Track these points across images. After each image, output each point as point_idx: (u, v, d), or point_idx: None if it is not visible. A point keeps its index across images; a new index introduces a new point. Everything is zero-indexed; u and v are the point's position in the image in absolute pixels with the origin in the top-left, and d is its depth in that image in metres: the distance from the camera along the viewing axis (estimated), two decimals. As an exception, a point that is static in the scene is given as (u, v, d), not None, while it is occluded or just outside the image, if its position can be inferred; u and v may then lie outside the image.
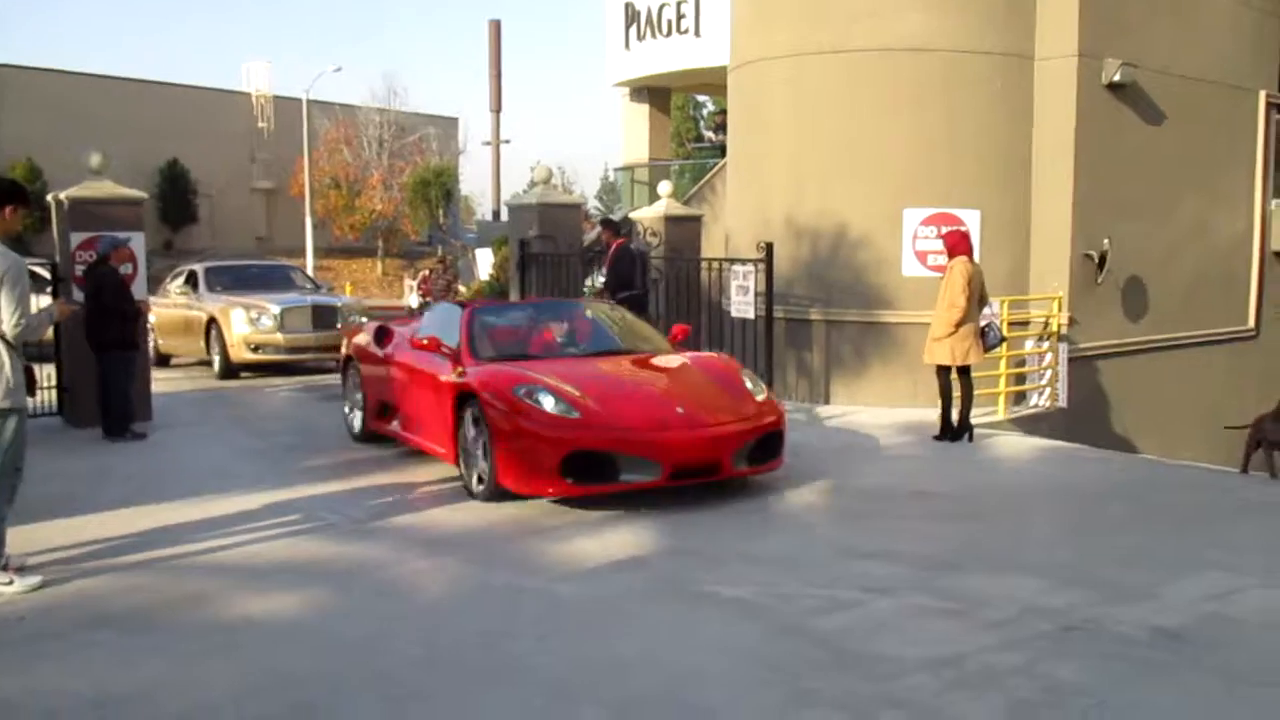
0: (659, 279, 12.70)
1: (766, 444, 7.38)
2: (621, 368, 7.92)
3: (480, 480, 7.14)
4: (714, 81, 22.63)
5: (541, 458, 6.74)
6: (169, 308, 14.76)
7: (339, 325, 13.43)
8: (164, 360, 14.72)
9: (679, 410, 7.08)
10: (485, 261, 23.52)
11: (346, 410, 9.55)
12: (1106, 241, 11.32)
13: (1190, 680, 4.36)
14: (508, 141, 34.50)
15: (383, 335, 8.86)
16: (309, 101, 38.31)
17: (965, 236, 9.36)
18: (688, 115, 47.16)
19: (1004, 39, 10.95)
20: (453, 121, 47.08)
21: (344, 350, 9.76)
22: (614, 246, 11.88)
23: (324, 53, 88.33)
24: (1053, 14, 11.01)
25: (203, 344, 13.82)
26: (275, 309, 13.40)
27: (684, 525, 6.65)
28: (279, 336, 13.38)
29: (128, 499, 7.23)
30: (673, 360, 8.15)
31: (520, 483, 6.85)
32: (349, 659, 4.54)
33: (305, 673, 4.40)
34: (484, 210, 44.13)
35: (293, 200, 40.44)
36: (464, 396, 7.29)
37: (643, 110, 24.78)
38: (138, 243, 10.09)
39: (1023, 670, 4.39)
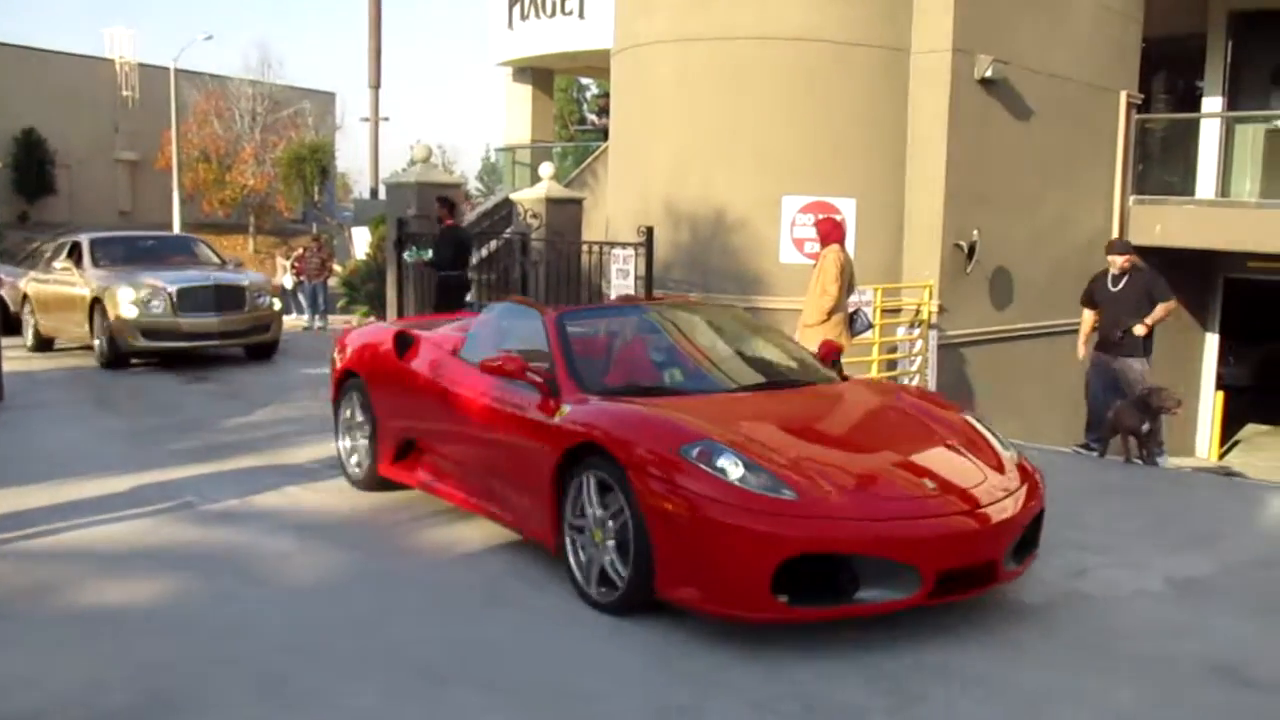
0: (539, 261, 12.65)
1: (1031, 529, 5.09)
2: (806, 409, 5.60)
3: (610, 582, 4.74)
4: (598, 64, 22.57)
5: (741, 563, 4.31)
6: (49, 284, 13.07)
7: (245, 308, 12.03)
8: (47, 344, 13.30)
9: (929, 485, 4.73)
10: (361, 240, 23.03)
11: (344, 446, 6.99)
12: (976, 232, 11.69)
13: (1042, 653, 4.53)
14: (386, 119, 33.82)
15: (406, 344, 6.55)
16: (177, 71, 37.01)
17: (838, 225, 9.49)
18: (571, 98, 47.03)
19: (883, 32, 11.20)
20: (330, 96, 46.11)
21: (339, 361, 7.17)
22: (445, 224, 11.86)
23: (194, 20, 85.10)
24: (929, 9, 11.30)
25: (86, 327, 12.02)
26: (170, 288, 11.53)
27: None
28: (177, 321, 11.52)
29: (-24, 483, 6.86)
30: (865, 396, 5.89)
31: (705, 598, 4.43)
32: (212, 647, 4.39)
33: (165, 662, 4.24)
34: (361, 188, 43.17)
35: (159, 173, 39.05)
36: (575, 451, 4.91)
37: (525, 91, 24.55)
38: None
39: (888, 648, 4.50)
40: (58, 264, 12.84)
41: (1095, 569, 5.64)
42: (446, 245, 11.66)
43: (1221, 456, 17.18)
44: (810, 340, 9.21)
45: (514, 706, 3.95)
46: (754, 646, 4.45)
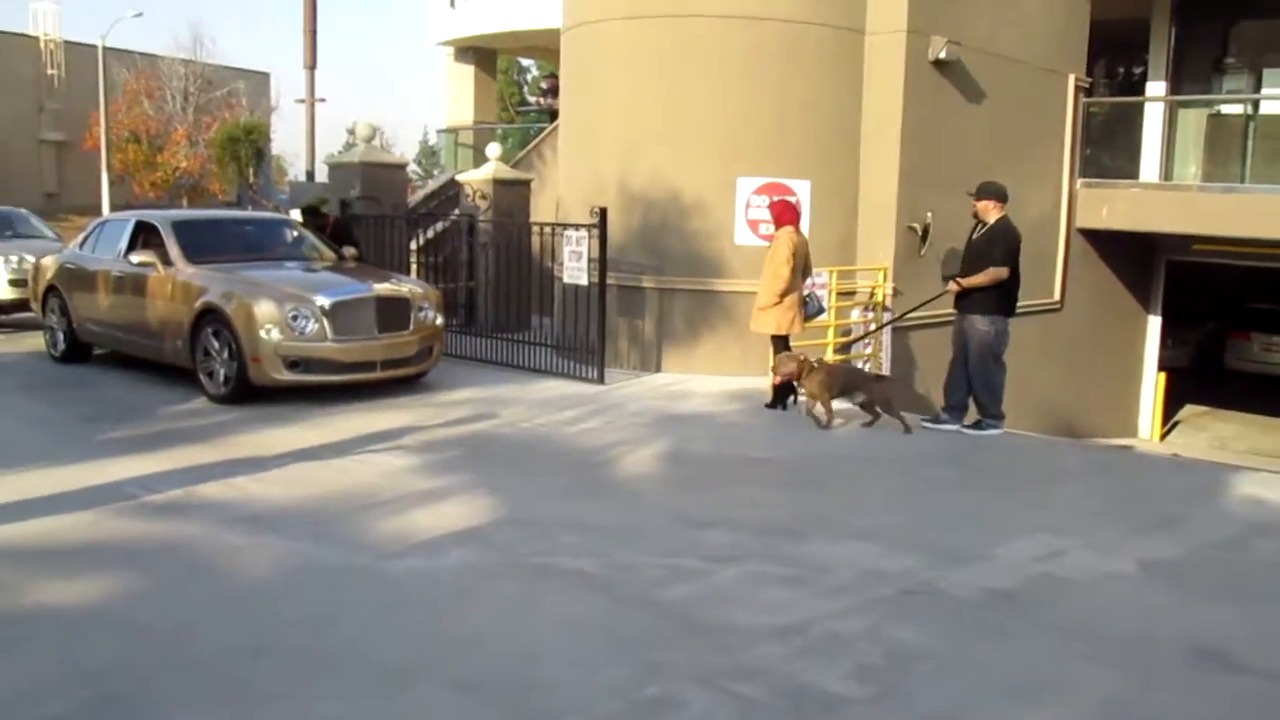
0: (487, 243, 12.39)
1: None
2: None
3: None
4: (541, 44, 22.29)
5: None
6: (109, 278, 10.31)
7: (411, 326, 9.41)
8: (83, 352, 10.95)
9: None
10: (301, 223, 22.51)
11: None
12: (930, 215, 11.63)
13: (1025, 639, 4.45)
14: (323, 100, 33.00)
15: None
16: (105, 49, 35.88)
17: (791, 206, 9.40)
18: (512, 79, 46.54)
19: (837, 12, 11.05)
20: (264, 77, 45.19)
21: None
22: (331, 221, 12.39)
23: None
24: (883, -11, 11.18)
25: (182, 345, 9.37)
26: (321, 300, 8.96)
27: (515, 495, 6.42)
28: (332, 345, 8.93)
29: (-103, 476, 6.48)
30: None
31: None
32: (159, 649, 4.14)
33: (109, 666, 3.97)
34: (297, 171, 42.33)
35: (87, 155, 37.90)
36: None
37: (468, 71, 24.18)
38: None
39: (867, 635, 4.39)
40: (135, 256, 9.75)
41: (1065, 551, 5.58)
42: (336, 235, 11.85)
43: (1163, 437, 17.43)
44: (764, 323, 9.13)
45: (482, 704, 3.76)
46: (725, 635, 4.31)
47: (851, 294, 11.35)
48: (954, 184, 12.16)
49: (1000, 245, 8.30)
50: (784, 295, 8.96)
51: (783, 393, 9.21)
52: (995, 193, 8.47)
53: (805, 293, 9.29)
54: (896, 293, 11.55)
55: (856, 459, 7.82)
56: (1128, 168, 15.79)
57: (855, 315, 11.35)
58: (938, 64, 11.59)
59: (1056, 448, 9.42)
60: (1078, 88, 14.37)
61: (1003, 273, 8.26)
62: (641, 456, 7.50)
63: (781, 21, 10.85)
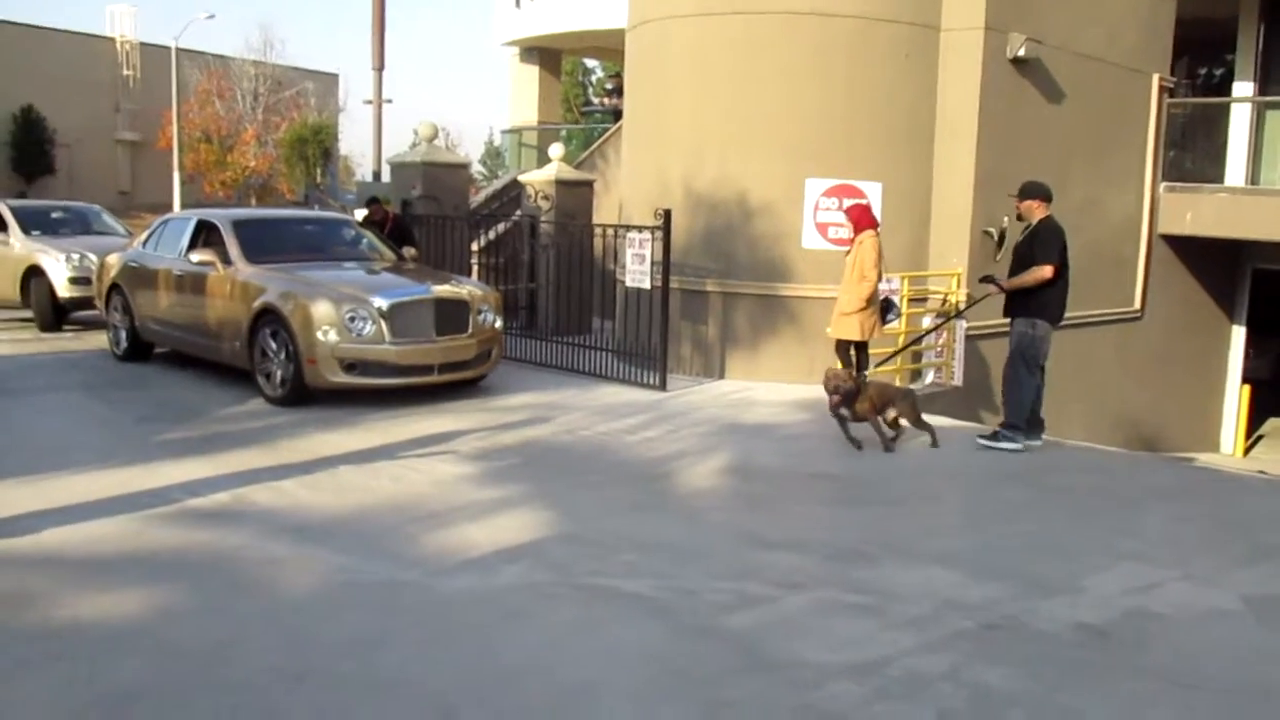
0: (549, 245, 12.17)
1: None
2: None
3: None
4: (606, 44, 22.09)
5: None
6: (170, 276, 10.23)
7: (469, 329, 9.23)
8: (144, 351, 10.84)
9: None
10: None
11: None
12: (1006, 219, 11.17)
13: (1123, 683, 4.08)
14: (390, 101, 33.23)
15: None
16: (178, 50, 36.45)
17: (870, 211, 9.13)
18: (576, 80, 46.46)
19: (911, 8, 10.66)
20: (333, 78, 45.63)
21: None
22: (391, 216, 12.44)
23: None
24: (960, -17, 10.76)
25: (241, 345, 9.26)
26: (379, 301, 8.78)
27: (572, 508, 6.16)
28: (389, 348, 8.75)
29: (-51, 476, 6.40)
30: None
31: None
32: (195, 670, 3.93)
33: (142, 687, 3.78)
34: (364, 171, 42.66)
35: (160, 154, 38.56)
36: None
37: (532, 72, 24.08)
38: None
39: (950, 676, 4.05)
40: (195, 255, 9.66)
41: (1161, 584, 5.18)
42: (395, 234, 11.83)
43: (1246, 452, 16.71)
44: (846, 328, 8.83)
45: (534, 745, 3.50)
46: (795, 671, 4.00)
47: (924, 300, 10.95)
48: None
49: (1043, 244, 7.77)
50: (869, 300, 8.73)
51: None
52: (1039, 192, 7.93)
53: (883, 298, 9.00)
54: (971, 301, 11.11)
55: (931, 476, 7.45)
56: (1212, 171, 15.16)
57: (927, 322, 10.94)
58: (1016, 62, 11.16)
59: (1140, 465, 8.94)
60: (1162, 88, 13.80)
61: (1045, 272, 7.70)
62: (704, 469, 7.20)
63: (852, 18, 10.49)
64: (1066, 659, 4.27)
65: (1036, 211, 7.90)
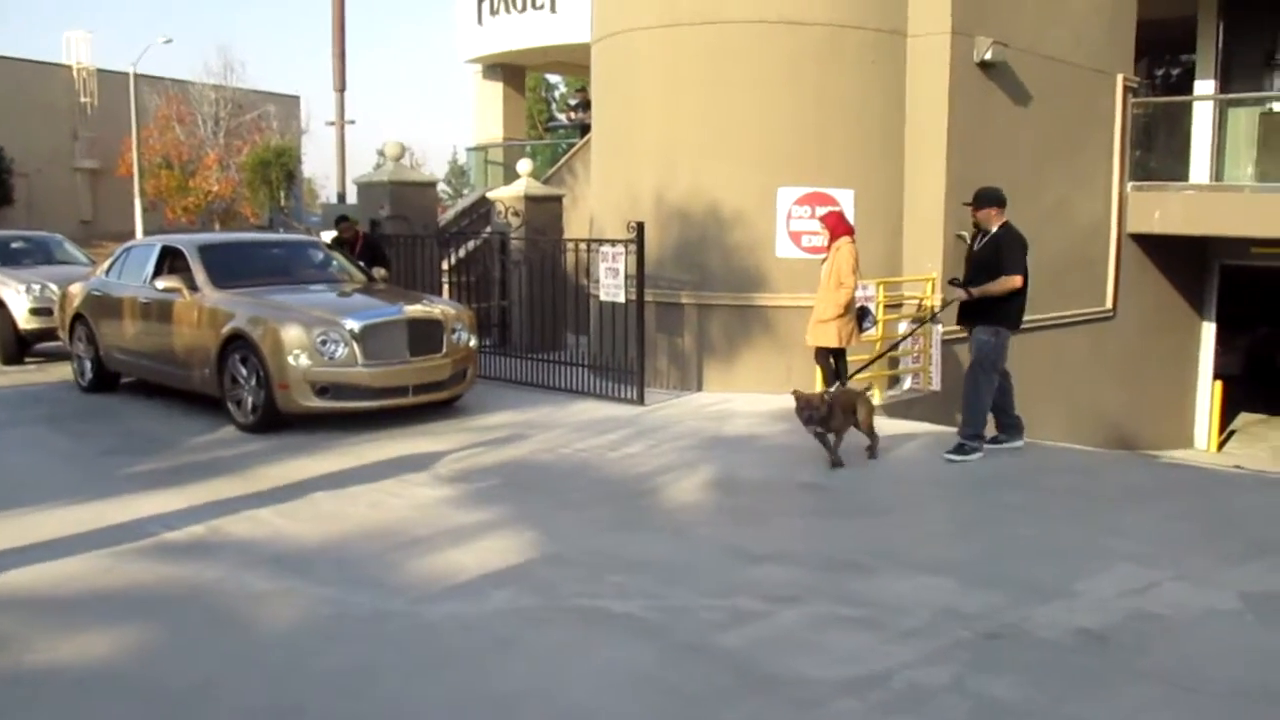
0: (520, 261, 12.06)
1: None
2: None
3: None
4: (570, 60, 21.99)
5: None
6: (135, 305, 9.96)
7: (444, 350, 9.07)
8: (110, 381, 10.62)
9: None
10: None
11: None
12: (978, 222, 11.17)
13: (1127, 689, 4.01)
14: (352, 122, 33.11)
15: None
16: (137, 76, 36.08)
17: (845, 218, 9.09)
18: (540, 96, 46.40)
19: (879, 14, 10.65)
20: (294, 100, 45.30)
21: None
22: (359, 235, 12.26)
23: (152, 24, 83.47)
24: (925, -11, 10.77)
25: (210, 373, 9.05)
26: (350, 323, 8.64)
27: (556, 528, 6.05)
28: (362, 371, 8.57)
29: (-89, 517, 6.19)
30: None
31: None
32: (179, 712, 3.80)
33: (121, 733, 3.63)
34: (328, 193, 42.38)
35: (120, 181, 38.11)
36: None
37: (496, 88, 23.93)
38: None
39: (953, 687, 3.97)
40: (160, 282, 9.42)
41: (1157, 584, 5.13)
42: (365, 253, 11.71)
43: (1220, 447, 16.82)
44: (824, 336, 8.77)
45: (532, 777, 3.38)
46: (795, 689, 3.90)
47: (899, 306, 10.92)
48: (1003, 189, 11.76)
49: (1009, 252, 7.62)
50: (847, 307, 8.68)
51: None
52: (996, 199, 7.78)
53: (859, 305, 8.95)
54: (945, 303, 11.10)
55: (915, 483, 7.39)
56: (1177, 169, 15.27)
57: (903, 328, 10.90)
58: (983, 66, 11.18)
59: (1123, 464, 8.94)
60: (1126, 88, 13.89)
61: (1015, 281, 7.56)
62: (688, 484, 7.10)
63: (820, 26, 10.46)
64: (1069, 666, 4.20)
65: (995, 219, 7.77)
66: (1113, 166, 13.87)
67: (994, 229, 7.77)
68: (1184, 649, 4.40)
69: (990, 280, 7.62)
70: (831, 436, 7.50)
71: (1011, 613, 4.71)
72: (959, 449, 7.79)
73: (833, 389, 7.81)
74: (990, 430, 8.08)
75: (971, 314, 7.85)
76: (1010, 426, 8.16)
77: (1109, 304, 14.03)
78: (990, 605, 4.80)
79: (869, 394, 8.18)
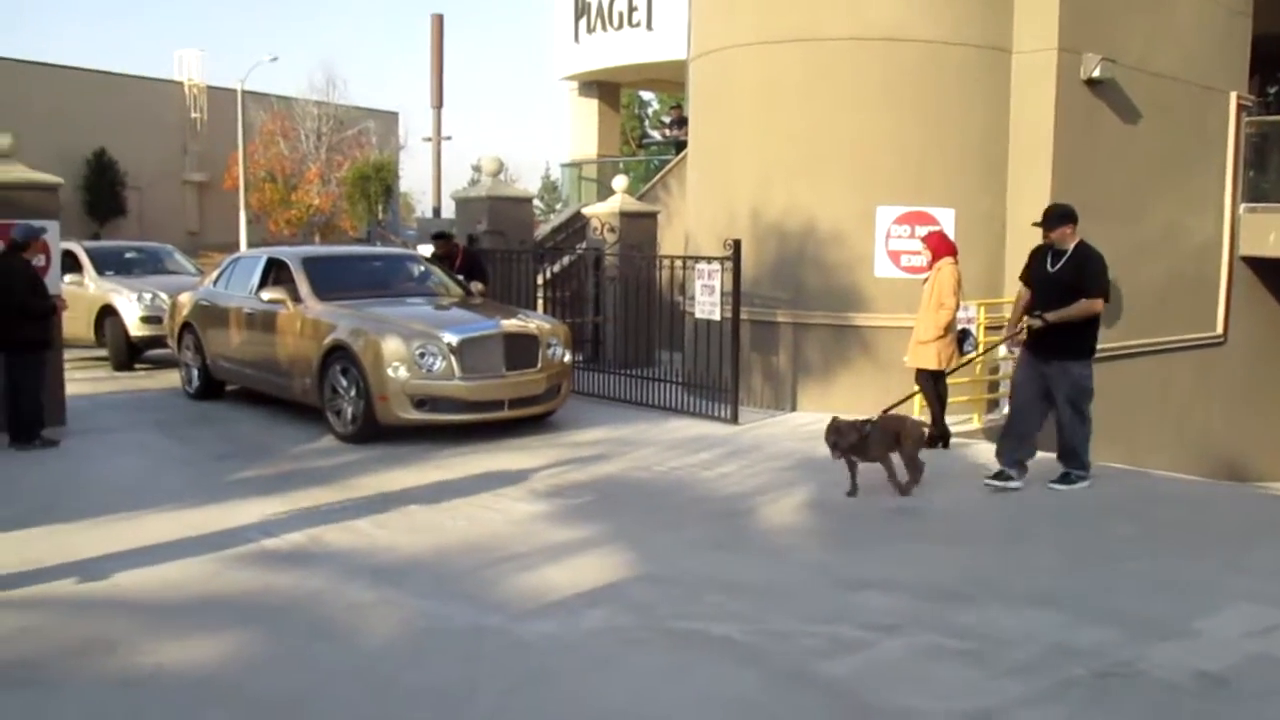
0: (614, 278, 12.08)
1: None
2: None
3: None
4: (665, 77, 22.07)
5: None
6: (241, 315, 10.28)
7: (539, 364, 9.12)
8: (216, 389, 10.94)
9: None
10: (428, 258, 22.68)
11: None
12: (1084, 243, 10.87)
13: (1253, 738, 3.81)
14: (449, 138, 33.58)
15: None
16: (244, 92, 37.20)
17: (948, 238, 8.92)
18: (633, 113, 46.66)
19: (981, 30, 10.45)
20: (393, 116, 46.18)
21: None
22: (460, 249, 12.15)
23: (260, 42, 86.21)
24: (1032, 5, 10.52)
25: (311, 382, 9.21)
26: (448, 337, 8.73)
27: (652, 548, 6.00)
28: (459, 384, 8.69)
29: (26, 518, 6.39)
30: None
31: None
32: (279, 721, 3.83)
33: (225, 741, 3.68)
34: (423, 208, 43.10)
35: (226, 194, 39.27)
36: None
37: (591, 105, 24.12)
38: (53, 233, 9.21)
39: (1066, 728, 3.81)
40: (265, 293, 9.66)
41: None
42: (465, 268, 11.71)
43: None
44: (924, 357, 8.60)
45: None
46: (892, 716, 3.79)
47: (1000, 328, 10.64)
48: (1110, 211, 11.45)
49: (1093, 274, 7.14)
50: (947, 329, 8.49)
51: (941, 430, 8.74)
52: (1070, 216, 7.28)
53: (960, 327, 8.77)
54: (1045, 324, 10.79)
55: (1018, 511, 7.16)
56: (1292, 191, 14.68)
57: (1003, 351, 10.62)
58: (1090, 83, 10.88)
59: (1241, 497, 8.57)
60: (1240, 106, 13.40)
61: (1098, 306, 7.10)
62: (784, 505, 7.00)
63: (921, 42, 10.30)
64: (1188, 710, 4.01)
65: (1070, 237, 7.27)
66: (1225, 187, 13.38)
67: (1070, 248, 7.27)
68: (1313, 696, 4.17)
69: (1069, 304, 7.09)
70: (866, 462, 7.15)
71: (1126, 650, 4.52)
72: (1064, 478, 7.47)
73: (875, 416, 7.30)
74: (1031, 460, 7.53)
75: (1053, 344, 7.23)
76: (1022, 464, 7.52)
77: (1220, 329, 13.53)
78: (1103, 642, 4.61)
79: (922, 425, 7.71)
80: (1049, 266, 7.34)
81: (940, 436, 8.82)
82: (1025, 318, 7.50)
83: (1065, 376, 7.26)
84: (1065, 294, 7.15)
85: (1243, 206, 13.78)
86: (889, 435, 7.21)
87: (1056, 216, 7.31)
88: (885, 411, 7.46)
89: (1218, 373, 13.67)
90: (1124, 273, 11.81)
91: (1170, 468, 10.55)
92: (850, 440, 7.03)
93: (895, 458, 7.23)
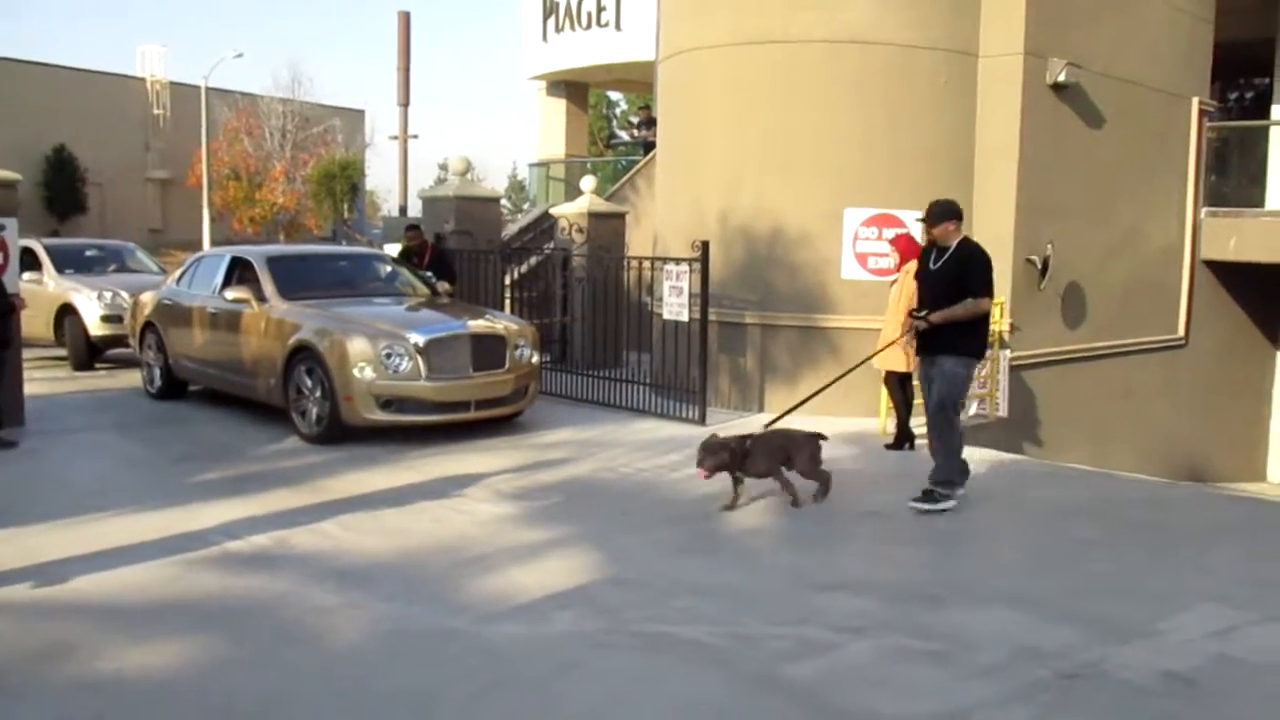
0: (582, 278, 12.05)
1: None
2: None
3: None
4: (633, 77, 22.07)
5: None
6: (204, 315, 10.15)
7: (506, 365, 9.11)
8: (178, 389, 10.81)
9: None
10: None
11: None
12: (1050, 246, 10.98)
13: (1217, 738, 3.85)
14: (415, 136, 33.41)
15: None
16: (208, 89, 36.77)
17: (915, 239, 8.95)
18: (601, 114, 46.62)
19: (949, 34, 10.51)
20: (359, 114, 45.92)
21: None
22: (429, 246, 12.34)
23: (225, 38, 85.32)
24: (999, 10, 10.59)
25: (276, 383, 9.12)
26: (414, 337, 8.66)
27: (620, 550, 5.98)
28: (425, 385, 8.62)
29: (-16, 520, 6.29)
30: None
31: None
32: (243, 727, 3.78)
33: (188, 747, 3.62)
34: (389, 206, 42.90)
35: (190, 191, 38.85)
36: None
37: (560, 105, 24.07)
38: (11, 230, 9.06)
39: (1033, 730, 3.83)
40: (229, 292, 9.57)
41: (1241, 626, 4.93)
42: (434, 265, 11.81)
43: (1295, 482, 16.31)
44: (892, 359, 8.63)
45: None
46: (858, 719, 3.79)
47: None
48: (1074, 214, 11.58)
49: (978, 272, 6.85)
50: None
51: (906, 433, 8.79)
52: (954, 212, 7.00)
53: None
54: (1014, 329, 10.90)
55: (987, 513, 7.20)
56: (1253, 195, 14.89)
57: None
58: (1056, 88, 10.98)
59: (1203, 499, 8.67)
60: (1202, 111, 13.57)
61: (986, 305, 6.86)
62: (752, 507, 7.00)
63: (890, 46, 10.34)
64: (1154, 710, 4.04)
65: (954, 234, 7.04)
66: (1187, 191, 13.55)
67: (952, 245, 6.98)
68: (1275, 696, 4.22)
69: (953, 304, 6.80)
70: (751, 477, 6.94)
71: (1091, 651, 4.55)
72: (927, 495, 6.94)
73: (754, 432, 7.05)
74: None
75: (935, 343, 6.95)
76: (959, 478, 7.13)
77: (1181, 332, 13.70)
78: (1069, 643, 4.64)
79: (819, 437, 7.18)
80: (931, 264, 7.11)
81: (907, 438, 8.87)
82: (908, 316, 7.34)
83: (939, 373, 6.97)
84: (948, 292, 6.86)
85: (1204, 211, 13.96)
86: (776, 450, 6.97)
87: (939, 213, 7.02)
88: (768, 426, 7.30)
89: (1180, 375, 13.84)
90: (1088, 275, 11.97)
91: (1133, 469, 10.67)
92: (721, 459, 6.73)
93: (793, 473, 6.97)
